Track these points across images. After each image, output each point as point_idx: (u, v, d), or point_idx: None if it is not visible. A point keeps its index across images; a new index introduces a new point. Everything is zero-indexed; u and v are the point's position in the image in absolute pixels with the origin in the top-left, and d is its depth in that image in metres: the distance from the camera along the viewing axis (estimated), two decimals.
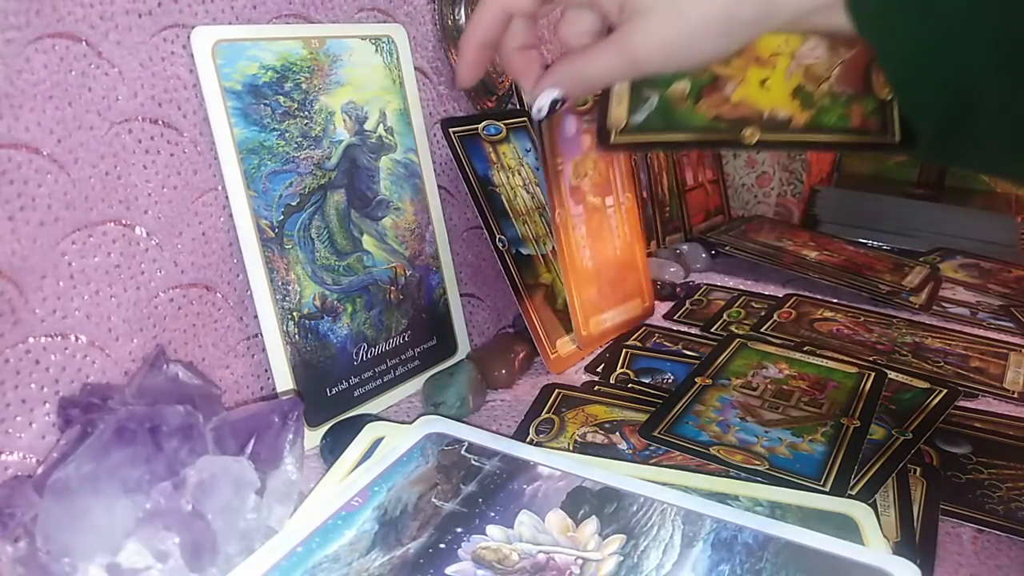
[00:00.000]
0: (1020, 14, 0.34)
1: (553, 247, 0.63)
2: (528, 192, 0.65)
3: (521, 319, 0.62)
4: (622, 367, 0.63)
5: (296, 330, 0.51)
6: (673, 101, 0.53)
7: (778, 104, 0.51)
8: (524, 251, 0.62)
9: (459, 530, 0.39)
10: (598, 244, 0.65)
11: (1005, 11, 0.34)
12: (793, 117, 0.50)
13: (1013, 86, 0.35)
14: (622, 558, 0.38)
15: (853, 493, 0.46)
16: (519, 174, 0.63)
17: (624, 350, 0.65)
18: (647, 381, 0.61)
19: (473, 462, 0.44)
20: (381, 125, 0.57)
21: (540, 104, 0.45)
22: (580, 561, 0.37)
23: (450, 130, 0.61)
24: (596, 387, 0.59)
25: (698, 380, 0.58)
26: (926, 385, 0.60)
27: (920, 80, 0.37)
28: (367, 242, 0.56)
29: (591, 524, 0.40)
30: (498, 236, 0.61)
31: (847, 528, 0.41)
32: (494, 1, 0.45)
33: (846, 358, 0.64)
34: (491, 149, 0.63)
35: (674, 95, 0.53)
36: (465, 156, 0.60)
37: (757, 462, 0.48)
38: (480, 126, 0.63)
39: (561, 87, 0.45)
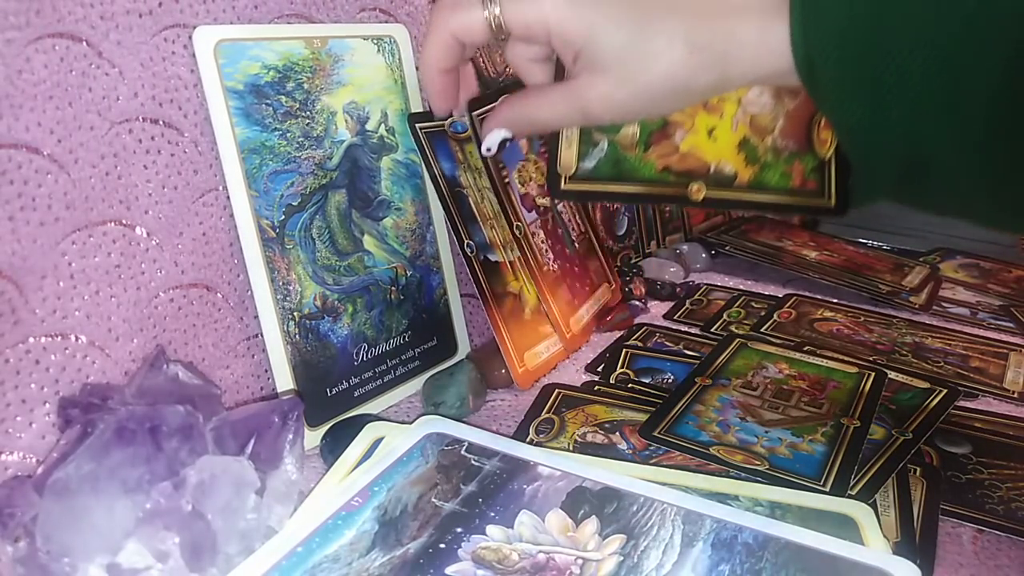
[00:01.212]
0: (975, 80, 0.34)
1: (519, 255, 0.62)
2: (495, 195, 0.64)
3: None
4: (622, 367, 0.63)
5: (296, 330, 0.51)
6: (623, 147, 0.53)
7: (724, 157, 0.51)
8: (492, 257, 0.60)
9: (459, 530, 0.39)
10: (557, 244, 0.64)
11: (960, 78, 0.34)
12: (738, 173, 0.51)
13: (965, 150, 0.35)
14: (622, 558, 0.38)
15: (853, 493, 0.45)
16: (485, 175, 0.62)
17: (624, 350, 0.65)
18: (647, 381, 0.61)
19: (473, 462, 0.44)
20: (383, 125, 0.57)
21: (489, 143, 0.46)
22: (580, 561, 0.37)
23: (417, 126, 0.58)
24: (596, 387, 0.59)
25: (698, 380, 0.58)
26: (926, 385, 0.60)
27: (874, 146, 0.37)
28: (368, 242, 0.56)
29: (591, 524, 0.40)
30: (466, 241, 0.58)
31: (847, 528, 0.41)
32: (443, 28, 0.43)
33: (846, 358, 0.64)
34: (458, 148, 0.60)
35: (623, 141, 0.53)
36: (432, 154, 0.58)
37: (757, 462, 0.48)
38: (447, 122, 0.60)
39: (510, 129, 0.45)
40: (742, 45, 0.38)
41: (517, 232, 0.59)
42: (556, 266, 0.63)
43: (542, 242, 0.63)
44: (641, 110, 0.41)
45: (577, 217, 0.68)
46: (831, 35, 0.36)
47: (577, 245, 0.67)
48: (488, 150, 0.46)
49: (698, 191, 0.50)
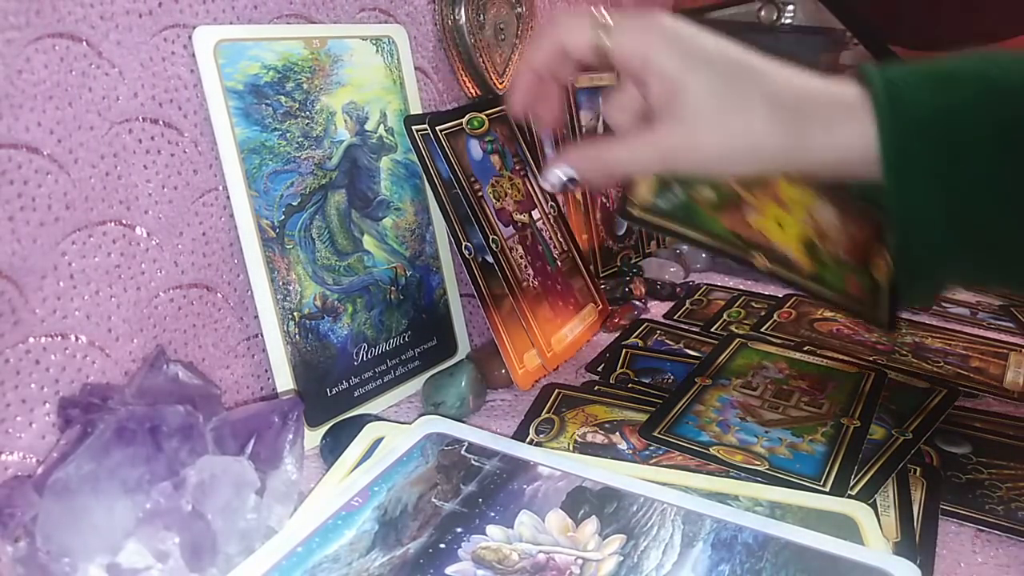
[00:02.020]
0: None
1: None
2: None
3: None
4: (622, 367, 0.63)
5: (296, 330, 0.51)
6: (697, 201, 0.54)
7: (788, 245, 0.52)
8: (490, 260, 0.59)
9: (459, 530, 0.39)
10: (538, 261, 0.64)
11: None
12: (799, 261, 0.52)
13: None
14: (622, 558, 0.38)
15: (853, 493, 0.45)
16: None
17: (624, 350, 0.65)
18: (647, 381, 0.61)
19: (473, 462, 0.44)
20: (382, 125, 0.57)
21: (552, 180, 0.45)
22: (580, 561, 0.37)
23: (413, 128, 0.58)
24: (596, 387, 0.59)
25: (698, 380, 0.58)
26: (926, 385, 0.60)
27: (945, 228, 0.38)
28: (368, 242, 0.56)
29: (591, 524, 0.40)
30: (464, 243, 0.58)
31: (847, 528, 0.41)
32: (554, 36, 0.45)
33: (846, 358, 0.64)
34: (450, 150, 0.60)
35: (698, 197, 0.54)
36: (428, 156, 0.58)
37: (757, 462, 0.48)
38: (552, 179, 0.59)
39: (579, 169, 0.45)
40: (824, 119, 0.39)
41: (493, 245, 0.59)
42: (536, 283, 0.62)
43: (521, 257, 0.62)
44: (718, 162, 0.41)
45: (559, 235, 0.68)
46: (916, 123, 0.37)
47: (559, 263, 0.66)
48: (551, 185, 0.45)
49: (761, 260, 0.51)
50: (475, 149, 0.62)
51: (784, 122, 0.40)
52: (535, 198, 0.66)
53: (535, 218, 0.65)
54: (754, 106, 0.40)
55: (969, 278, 0.44)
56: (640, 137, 0.43)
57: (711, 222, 0.53)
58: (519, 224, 0.63)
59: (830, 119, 0.39)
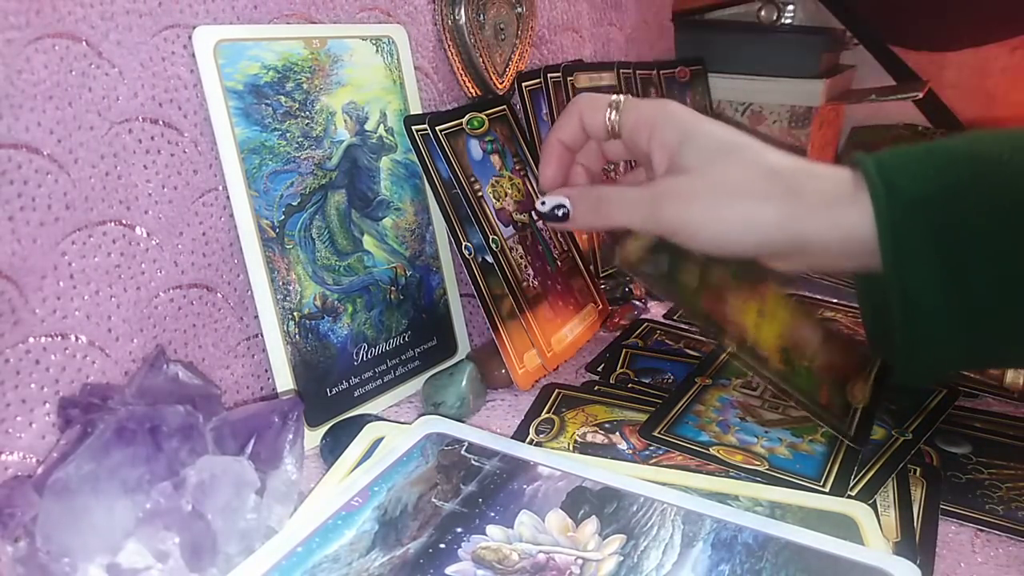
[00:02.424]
0: None
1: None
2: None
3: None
4: (622, 367, 0.63)
5: (296, 330, 0.51)
6: (679, 279, 0.55)
7: (762, 345, 0.53)
8: (490, 260, 0.59)
9: (459, 530, 0.39)
10: (538, 261, 0.64)
11: None
12: (771, 360, 0.52)
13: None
14: (622, 558, 0.38)
15: (853, 493, 0.45)
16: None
17: (624, 350, 0.65)
18: (647, 381, 0.61)
19: (473, 462, 0.44)
20: (382, 125, 0.57)
21: (547, 207, 0.47)
22: (580, 561, 0.37)
23: (412, 128, 0.58)
24: (596, 387, 0.59)
25: (698, 380, 0.58)
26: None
27: (945, 310, 0.38)
28: (367, 242, 0.56)
29: (591, 524, 0.40)
30: (464, 243, 0.58)
31: (847, 528, 0.41)
32: (575, 114, 0.47)
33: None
34: (450, 150, 0.60)
35: (681, 277, 0.55)
36: (428, 156, 0.58)
37: (757, 462, 0.48)
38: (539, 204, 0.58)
39: (575, 207, 0.46)
40: (822, 199, 0.39)
41: (493, 245, 0.59)
42: (536, 283, 0.62)
43: (521, 257, 0.62)
44: (713, 242, 0.42)
45: (559, 235, 0.68)
46: (912, 205, 0.37)
47: (560, 264, 0.66)
48: (542, 204, 0.47)
49: (729, 343, 0.52)
50: (475, 149, 0.62)
51: (783, 200, 0.40)
52: (535, 198, 0.66)
53: (535, 218, 0.65)
54: (754, 179, 0.40)
55: (970, 359, 0.44)
56: (639, 198, 0.43)
57: (691, 298, 0.54)
58: (519, 224, 0.63)
59: (828, 200, 0.39)
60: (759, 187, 0.40)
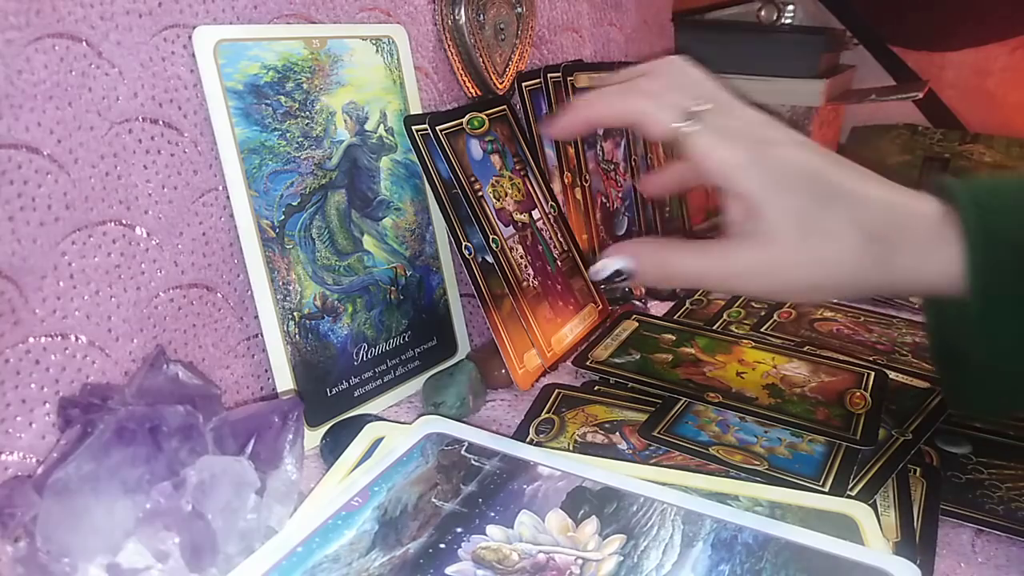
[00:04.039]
0: None
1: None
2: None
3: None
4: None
5: (296, 330, 0.51)
6: (654, 362, 0.59)
7: (748, 388, 0.55)
8: (490, 259, 0.59)
9: (459, 530, 0.39)
10: (538, 261, 0.63)
11: None
12: (759, 398, 0.54)
13: None
14: (622, 558, 0.38)
15: (853, 493, 0.45)
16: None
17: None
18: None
19: (473, 462, 0.44)
20: (381, 126, 0.57)
21: (604, 269, 0.42)
22: (580, 561, 0.37)
23: (413, 128, 0.58)
24: (596, 387, 0.59)
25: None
26: (926, 385, 0.60)
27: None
28: (367, 242, 0.56)
29: (591, 524, 0.40)
30: (464, 243, 0.58)
31: (847, 528, 0.41)
32: (630, 103, 0.41)
33: (846, 358, 0.64)
34: (450, 150, 0.60)
35: (656, 359, 0.60)
36: (428, 156, 0.58)
37: (756, 462, 0.48)
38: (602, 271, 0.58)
39: (638, 267, 0.41)
40: (913, 245, 0.37)
41: (493, 244, 0.59)
42: (536, 283, 0.62)
43: (521, 257, 0.62)
44: (797, 291, 0.39)
45: (559, 235, 0.67)
46: (1007, 250, 0.35)
47: (560, 263, 0.66)
48: (598, 272, 0.42)
49: (714, 397, 0.54)
50: (475, 149, 0.62)
51: (873, 251, 0.37)
52: (535, 198, 0.66)
53: (535, 218, 0.65)
54: (843, 234, 0.37)
55: None
56: (710, 248, 0.39)
57: (666, 374, 0.57)
58: (519, 224, 0.63)
59: (918, 245, 0.37)
60: (853, 246, 0.36)
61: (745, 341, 0.63)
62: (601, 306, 0.69)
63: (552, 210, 0.68)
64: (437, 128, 0.59)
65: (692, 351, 0.61)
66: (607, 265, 0.42)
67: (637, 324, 0.67)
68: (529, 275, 0.62)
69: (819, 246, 0.37)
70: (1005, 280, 0.36)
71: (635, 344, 0.61)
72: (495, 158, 0.63)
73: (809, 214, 0.37)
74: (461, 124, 0.61)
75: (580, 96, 0.45)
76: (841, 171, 0.38)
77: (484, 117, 0.63)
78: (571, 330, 0.64)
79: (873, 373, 0.58)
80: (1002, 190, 0.38)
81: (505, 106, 0.66)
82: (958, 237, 0.36)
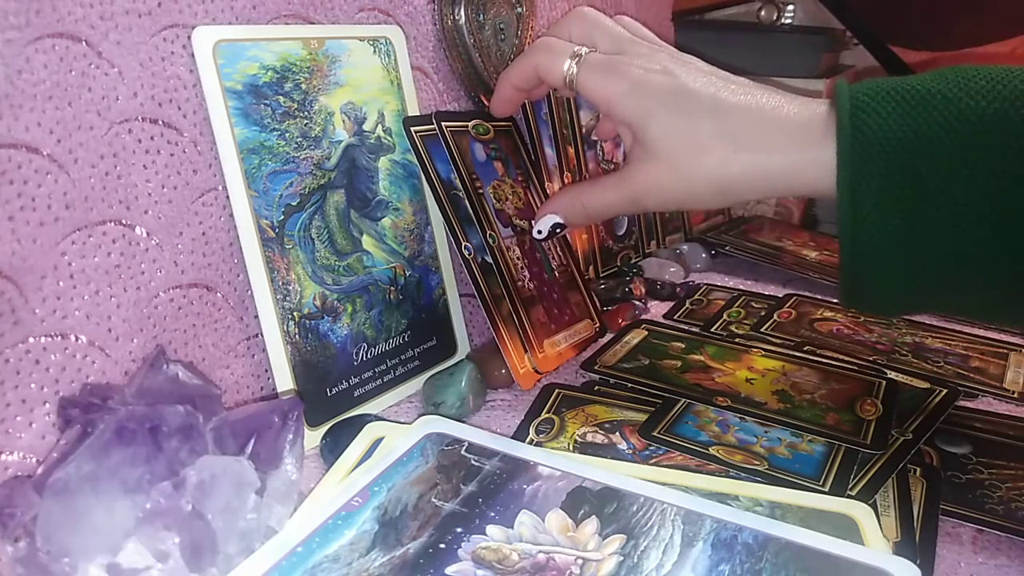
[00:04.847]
0: (1015, 193, 0.36)
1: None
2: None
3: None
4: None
5: (296, 330, 0.51)
6: (663, 367, 0.60)
7: (757, 394, 0.56)
8: (490, 260, 0.59)
9: (459, 530, 0.39)
10: (535, 267, 0.63)
11: (1005, 196, 0.36)
12: (768, 403, 0.55)
13: (997, 263, 0.37)
14: (622, 558, 0.38)
15: (853, 493, 0.45)
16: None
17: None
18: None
19: (473, 462, 0.44)
20: (379, 126, 0.57)
21: (541, 227, 0.50)
22: (580, 561, 0.37)
23: (412, 129, 0.58)
24: (596, 387, 0.59)
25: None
26: (926, 385, 0.60)
27: (902, 252, 0.38)
28: (367, 242, 0.56)
29: (591, 524, 0.40)
30: (463, 243, 0.58)
31: (847, 528, 0.41)
32: (531, 59, 0.49)
33: (846, 358, 0.64)
34: (454, 146, 0.60)
35: (664, 365, 0.60)
36: (428, 157, 0.58)
37: (756, 462, 0.48)
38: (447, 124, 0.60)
39: (563, 215, 0.49)
40: (784, 148, 0.40)
41: (490, 241, 0.59)
42: (532, 286, 0.62)
43: (518, 259, 0.62)
44: (685, 200, 0.44)
45: (558, 249, 0.67)
46: (877, 147, 0.37)
47: (557, 274, 0.66)
48: (539, 232, 0.50)
49: (723, 400, 0.55)
50: (479, 152, 0.62)
51: (743, 159, 0.41)
52: (536, 210, 0.66)
53: (538, 238, 0.65)
54: (714, 146, 0.41)
55: (921, 302, 0.45)
56: (612, 180, 0.46)
57: (675, 379, 0.58)
58: (518, 228, 0.63)
59: (790, 148, 0.40)
60: (723, 156, 0.41)
61: (755, 349, 0.63)
62: (597, 324, 0.68)
63: None
64: (443, 124, 0.59)
65: (701, 358, 0.61)
66: (543, 223, 0.50)
67: (646, 332, 0.67)
68: (525, 276, 0.62)
69: (696, 160, 0.41)
70: (874, 175, 0.37)
71: (644, 351, 0.62)
72: (498, 164, 0.63)
73: (682, 131, 0.41)
74: (466, 127, 0.61)
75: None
76: (716, 86, 0.42)
77: (489, 126, 0.63)
78: (565, 339, 0.64)
79: (884, 382, 0.58)
80: (883, 88, 0.39)
81: (511, 122, 0.66)
82: (831, 137, 0.38)
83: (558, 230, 0.49)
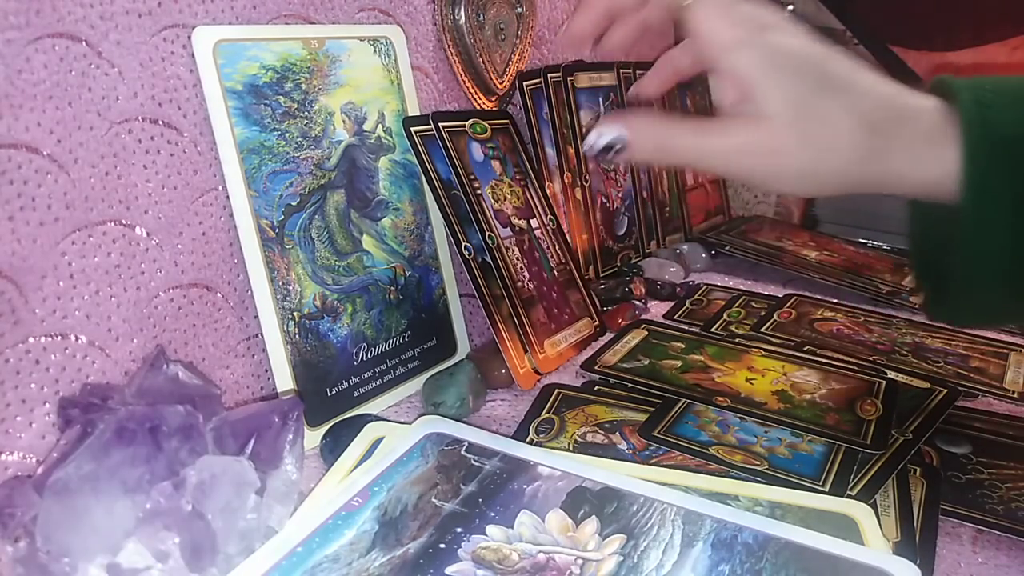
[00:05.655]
0: None
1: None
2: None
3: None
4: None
5: (296, 330, 0.51)
6: (663, 367, 0.60)
7: (757, 394, 0.56)
8: (489, 260, 0.59)
9: (459, 530, 0.39)
10: (534, 266, 0.63)
11: None
12: (768, 403, 0.55)
13: None
14: (622, 558, 0.38)
15: (853, 493, 0.45)
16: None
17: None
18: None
19: (473, 462, 0.44)
20: (380, 126, 0.57)
21: (598, 138, 0.39)
22: (580, 561, 0.37)
23: (412, 129, 0.58)
24: (596, 387, 0.59)
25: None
26: (926, 385, 0.60)
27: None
28: (367, 242, 0.56)
29: (591, 524, 0.40)
30: (463, 243, 0.58)
31: (847, 528, 0.41)
32: None
33: (846, 358, 0.64)
34: (451, 147, 0.60)
35: (665, 364, 0.60)
36: (428, 157, 0.58)
37: (756, 462, 0.48)
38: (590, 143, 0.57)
39: (635, 140, 0.39)
40: (909, 139, 0.36)
41: (489, 241, 0.59)
42: (531, 286, 0.62)
43: (517, 259, 0.62)
44: (783, 174, 0.38)
45: (557, 247, 0.67)
46: (1006, 149, 0.34)
47: (556, 273, 0.66)
48: (592, 146, 0.39)
49: (723, 400, 0.55)
50: (476, 151, 0.62)
51: (869, 142, 0.36)
52: (534, 208, 0.66)
53: (533, 227, 0.65)
54: (841, 122, 0.36)
55: (1012, 313, 0.42)
56: (710, 129, 0.38)
57: (675, 379, 0.58)
58: (517, 228, 0.63)
59: (916, 141, 0.36)
60: (849, 134, 0.36)
61: (755, 349, 0.63)
62: (597, 322, 0.68)
63: (551, 223, 0.68)
64: (440, 124, 0.59)
65: (701, 358, 0.61)
66: (602, 134, 0.39)
67: (646, 333, 0.67)
68: (524, 277, 0.62)
69: (816, 131, 0.36)
70: (1002, 176, 0.35)
71: (644, 351, 0.62)
72: (495, 163, 0.63)
73: (806, 99, 0.36)
74: (464, 127, 0.61)
75: None
76: (841, 63, 0.38)
77: (487, 125, 0.63)
78: (565, 338, 0.64)
79: (884, 382, 0.58)
80: (1004, 87, 0.37)
81: (508, 120, 0.66)
82: (956, 134, 0.35)
83: (613, 152, 0.39)
